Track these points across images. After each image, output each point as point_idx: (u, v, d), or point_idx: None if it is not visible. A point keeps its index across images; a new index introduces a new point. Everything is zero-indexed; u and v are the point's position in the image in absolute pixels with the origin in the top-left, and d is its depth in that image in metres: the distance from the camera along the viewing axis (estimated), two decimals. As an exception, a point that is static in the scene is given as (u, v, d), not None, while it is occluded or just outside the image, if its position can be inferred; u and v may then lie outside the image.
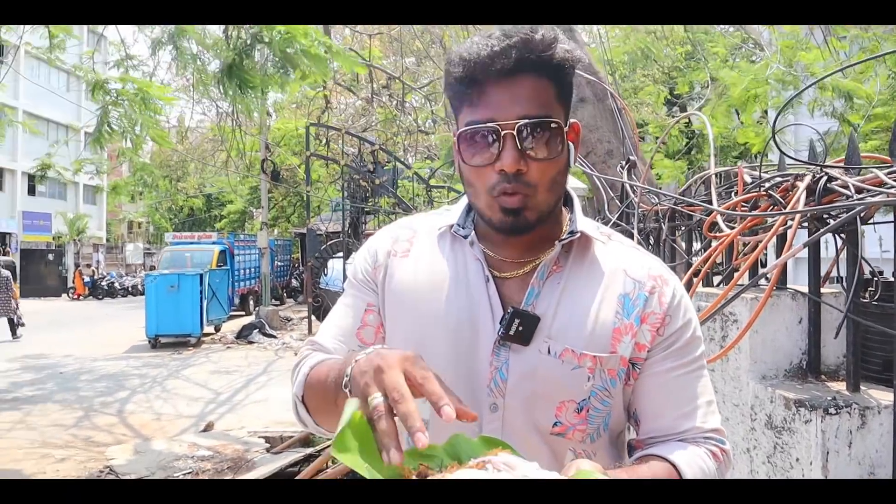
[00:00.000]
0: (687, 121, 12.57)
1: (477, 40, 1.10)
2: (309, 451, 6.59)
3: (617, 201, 4.17)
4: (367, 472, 0.83)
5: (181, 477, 6.08)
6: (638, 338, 1.18)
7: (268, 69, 6.33)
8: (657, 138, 9.05)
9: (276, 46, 6.00)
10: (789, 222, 2.20)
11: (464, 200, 1.29)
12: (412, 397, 0.86)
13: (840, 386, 2.20)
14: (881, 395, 2.07)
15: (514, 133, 1.07)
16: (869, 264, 2.21)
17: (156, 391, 10.05)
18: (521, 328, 1.15)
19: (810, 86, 3.84)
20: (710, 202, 2.79)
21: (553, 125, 1.10)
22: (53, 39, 8.13)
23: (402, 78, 12.43)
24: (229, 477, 5.99)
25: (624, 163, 4.05)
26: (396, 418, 0.86)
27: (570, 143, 1.17)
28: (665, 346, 1.19)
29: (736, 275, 2.22)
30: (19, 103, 27.59)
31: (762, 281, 2.39)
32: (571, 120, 1.18)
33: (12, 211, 33.77)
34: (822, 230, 1.84)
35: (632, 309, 1.18)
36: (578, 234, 1.20)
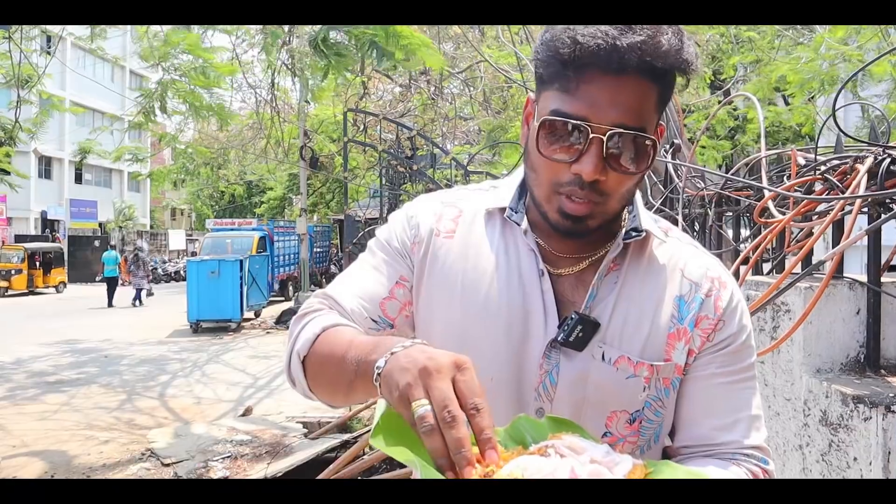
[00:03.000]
0: (732, 105, 12.22)
1: (597, 27, 0.95)
2: (346, 437, 6.60)
3: (661, 186, 4.04)
4: (419, 466, 0.77)
5: (220, 459, 6.13)
6: (690, 344, 1.09)
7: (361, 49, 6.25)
8: (703, 123, 8.79)
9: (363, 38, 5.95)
10: (847, 207, 2.07)
11: (514, 178, 1.18)
12: (464, 419, 0.77)
13: (902, 381, 2.07)
14: (947, 392, 1.94)
15: (604, 139, 0.96)
16: (935, 252, 2.08)
17: (196, 375, 10.18)
18: (580, 334, 1.06)
19: (865, 67, 3.64)
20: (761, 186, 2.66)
21: (648, 142, 0.98)
22: (95, 28, 8.22)
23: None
24: (267, 461, 6.02)
25: (668, 146, 3.90)
26: None
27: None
28: (713, 350, 1.10)
29: (790, 263, 2.10)
30: (66, 93, 28.08)
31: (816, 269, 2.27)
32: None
33: (60, 198, 34.58)
34: (885, 217, 1.71)
35: (686, 312, 1.10)
36: (644, 234, 1.11)
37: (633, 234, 1.11)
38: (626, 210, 1.15)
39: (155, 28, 7.36)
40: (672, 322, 1.09)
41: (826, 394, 2.10)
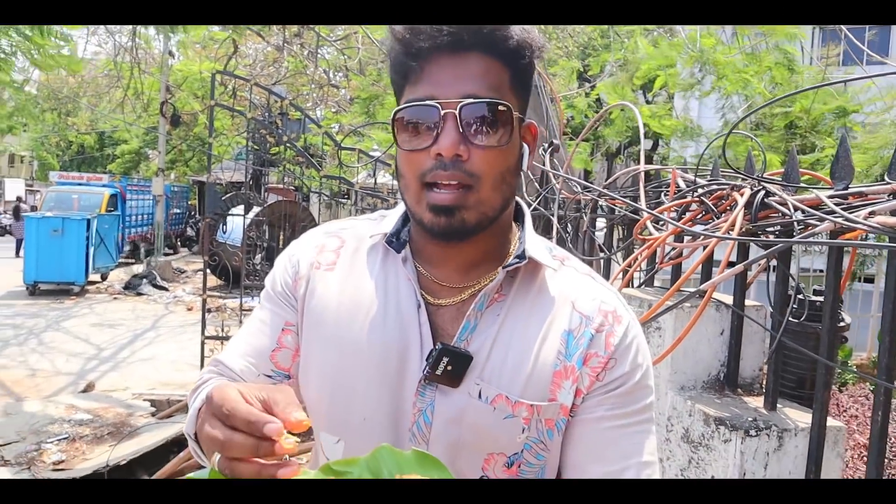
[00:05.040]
0: (595, 97, 12.64)
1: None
2: (198, 417, 6.29)
3: (536, 184, 4.07)
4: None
5: (56, 442, 5.68)
6: (578, 383, 1.03)
7: None
8: (568, 120, 9.02)
9: None
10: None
11: (402, 206, 1.12)
12: (238, 409, 0.76)
13: (756, 402, 2.17)
14: (797, 415, 2.06)
15: (456, 113, 0.95)
16: (793, 278, 2.18)
17: (31, 344, 9.39)
18: (449, 367, 1.00)
19: (777, 99, 3.80)
20: (637, 199, 2.71)
21: (502, 108, 0.96)
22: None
23: (316, 28, 11.92)
24: (110, 444, 5.63)
25: (546, 145, 3.93)
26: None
27: (525, 144, 1.04)
28: (602, 391, 1.04)
29: (672, 286, 2.14)
30: None
31: (686, 288, 2.34)
32: (528, 119, 1.04)
33: None
34: (763, 254, 1.77)
35: (574, 349, 1.04)
36: (526, 261, 1.05)
37: (516, 261, 1.05)
38: (517, 236, 1.12)
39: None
40: (559, 359, 1.03)
41: (689, 412, 2.17)
